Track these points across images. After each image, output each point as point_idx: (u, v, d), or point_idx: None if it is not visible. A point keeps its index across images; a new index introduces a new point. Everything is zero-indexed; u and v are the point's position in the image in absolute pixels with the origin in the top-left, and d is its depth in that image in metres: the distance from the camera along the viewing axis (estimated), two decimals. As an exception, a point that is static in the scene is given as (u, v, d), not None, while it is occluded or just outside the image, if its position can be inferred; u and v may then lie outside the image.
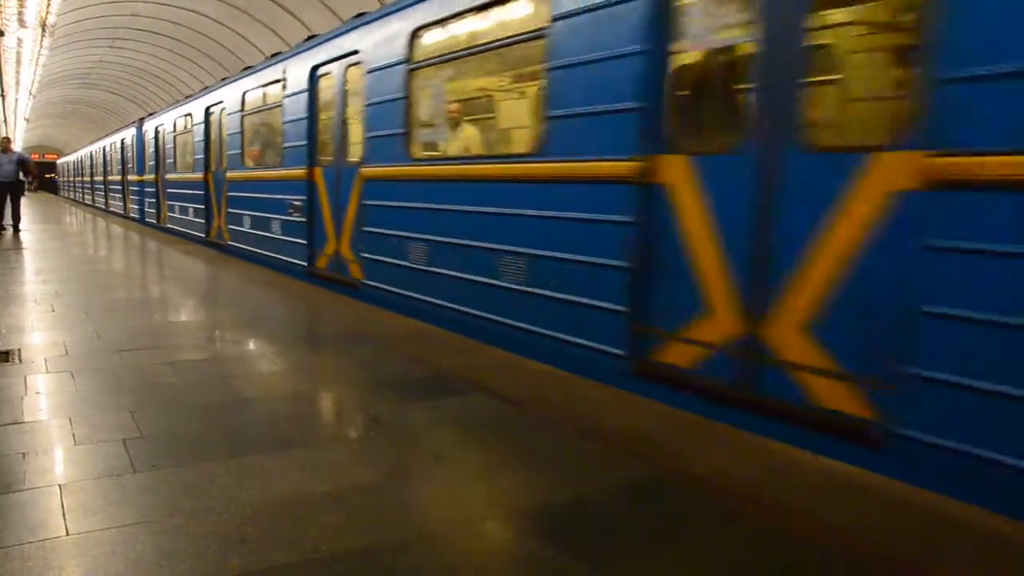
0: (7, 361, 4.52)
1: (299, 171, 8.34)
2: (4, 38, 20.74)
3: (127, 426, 3.35)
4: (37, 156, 67.60)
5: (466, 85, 6.28)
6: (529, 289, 4.84)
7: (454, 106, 6.47)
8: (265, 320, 6.09)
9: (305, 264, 8.40)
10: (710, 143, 3.82)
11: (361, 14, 7.36)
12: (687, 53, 3.89)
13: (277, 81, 9.04)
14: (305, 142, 8.19)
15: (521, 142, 5.37)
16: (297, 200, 8.45)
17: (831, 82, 3.45)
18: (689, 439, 3.32)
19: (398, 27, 6.24)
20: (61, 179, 53.40)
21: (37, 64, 26.85)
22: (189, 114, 13.49)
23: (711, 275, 3.72)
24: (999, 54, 2.61)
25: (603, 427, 3.46)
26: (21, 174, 14.27)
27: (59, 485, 2.71)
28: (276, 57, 9.59)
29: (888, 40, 3.20)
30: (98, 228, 18.22)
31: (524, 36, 4.85)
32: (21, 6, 18.33)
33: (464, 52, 5.61)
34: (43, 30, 20.93)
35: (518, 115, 6.85)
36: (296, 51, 8.74)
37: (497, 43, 5.20)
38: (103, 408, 3.63)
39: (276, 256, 9.34)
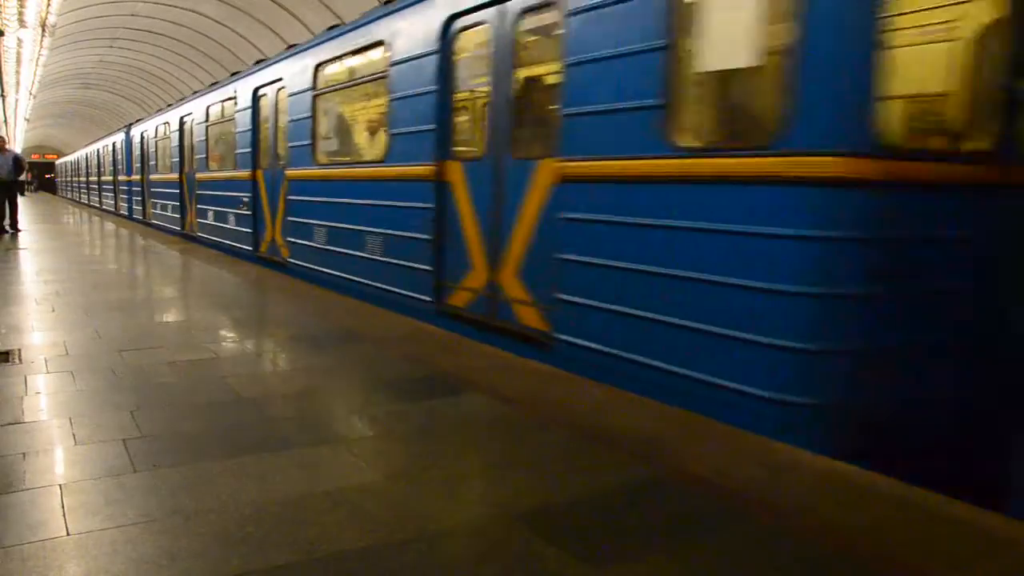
0: (7, 361, 4.78)
1: (246, 173, 10.93)
2: (4, 38, 21.92)
3: (127, 426, 3.53)
4: (37, 156, 70.54)
5: (354, 107, 8.74)
6: (382, 258, 7.13)
7: (343, 122, 8.86)
8: (260, 319, 6.77)
9: (251, 249, 10.97)
10: (470, 153, 6.05)
11: (292, 46, 9.87)
12: (459, 93, 6.15)
13: (231, 98, 11.67)
14: (250, 149, 10.73)
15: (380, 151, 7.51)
16: (245, 197, 11.03)
17: (522, 115, 5.61)
18: (689, 439, 3.52)
19: (307, 62, 8.70)
20: (59, 179, 58.31)
21: (37, 64, 28.18)
22: (167, 122, 16.41)
23: (472, 242, 5.92)
24: (579, 102, 4.75)
25: (602, 427, 3.67)
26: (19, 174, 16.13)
27: (59, 485, 2.86)
28: (233, 77, 12.20)
29: (548, 91, 5.37)
30: (93, 225, 20.62)
31: (377, 75, 7.19)
32: (21, 6, 19.66)
33: (347, 84, 8.08)
34: (43, 30, 22.29)
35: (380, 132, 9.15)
36: (244, 74, 11.34)
37: (365, 78, 7.60)
38: (103, 408, 3.83)
39: (233, 244, 11.90)
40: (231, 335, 5.92)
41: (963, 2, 4.26)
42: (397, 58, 6.76)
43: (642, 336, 4.37)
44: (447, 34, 6.13)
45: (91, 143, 34.61)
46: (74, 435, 3.43)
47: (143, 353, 5.06)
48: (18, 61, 27.84)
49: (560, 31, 4.94)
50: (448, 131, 6.20)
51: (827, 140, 3.48)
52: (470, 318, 6.00)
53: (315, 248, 8.71)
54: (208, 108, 13.08)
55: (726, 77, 4.05)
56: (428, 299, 6.46)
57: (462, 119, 6.22)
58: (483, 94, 5.89)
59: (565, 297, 4.96)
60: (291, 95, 9.22)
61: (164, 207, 17.38)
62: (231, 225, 11.99)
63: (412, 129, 6.55)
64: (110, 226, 19.96)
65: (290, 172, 9.38)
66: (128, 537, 2.45)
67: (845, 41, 3.45)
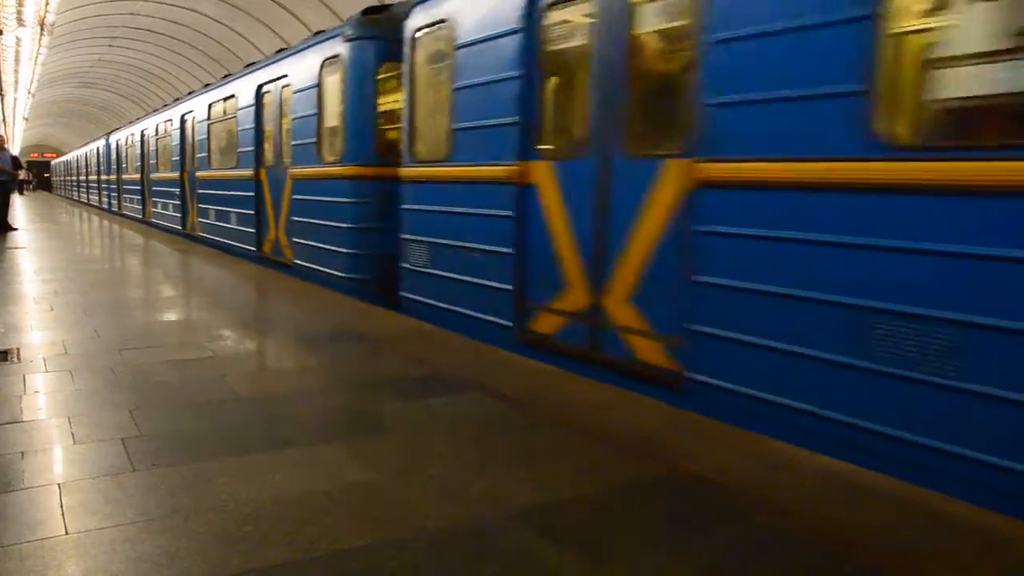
0: (6, 360, 4.83)
1: (176, 175, 16.38)
2: (3, 37, 23.37)
3: (126, 425, 3.66)
4: (36, 155, 72.35)
5: (226, 134, 13.64)
6: (237, 227, 12.40)
7: (222, 142, 14.11)
8: (257, 318, 7.21)
9: (181, 228, 16.43)
10: (269, 163, 11.25)
11: (207, 85, 15.58)
12: (266, 129, 11.33)
13: (168, 120, 17.19)
14: (179, 157, 16.19)
15: (234, 161, 12.64)
16: (176, 191, 16.46)
17: (284, 143, 10.38)
18: (689, 438, 3.66)
19: (204, 100, 14.18)
20: (55, 179, 64.60)
21: (36, 63, 30.33)
22: (133, 133, 22.09)
23: (271, 215, 11.12)
24: (297, 138, 9.68)
25: (602, 426, 3.82)
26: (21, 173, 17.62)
27: (58, 484, 2.94)
28: (174, 103, 17.61)
29: (290, 130, 10.23)
30: (83, 220, 23.77)
31: (232, 116, 12.51)
32: (20, 5, 21.01)
33: (221, 119, 13.28)
34: (42, 29, 24.04)
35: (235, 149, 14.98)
36: (178, 102, 16.79)
37: (228, 116, 12.86)
38: (102, 407, 3.95)
39: (172, 226, 17.33)
40: (228, 334, 6.15)
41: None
42: (240, 105, 12.09)
43: (319, 256, 9.36)
44: (259, 94, 11.39)
45: (80, 147, 40.39)
46: (73, 434, 3.52)
47: (142, 352, 5.22)
48: (17, 60, 29.66)
49: (291, 100, 10.13)
50: (260, 151, 11.50)
51: (353, 158, 8.52)
52: (270, 258, 11.18)
53: (211, 224, 14.09)
54: (157, 126, 18.68)
55: (335, 130, 9.08)
56: (254, 249, 11.74)
57: (268, 143, 11.41)
58: (272, 131, 11.13)
59: (295, 240, 10.15)
60: (197, 122, 14.70)
61: (132, 201, 23.20)
62: (170, 212, 17.52)
63: (246, 149, 11.86)
64: (95, 219, 24.18)
65: (199, 173, 14.72)
66: (127, 536, 2.53)
67: (361, 113, 8.36)
